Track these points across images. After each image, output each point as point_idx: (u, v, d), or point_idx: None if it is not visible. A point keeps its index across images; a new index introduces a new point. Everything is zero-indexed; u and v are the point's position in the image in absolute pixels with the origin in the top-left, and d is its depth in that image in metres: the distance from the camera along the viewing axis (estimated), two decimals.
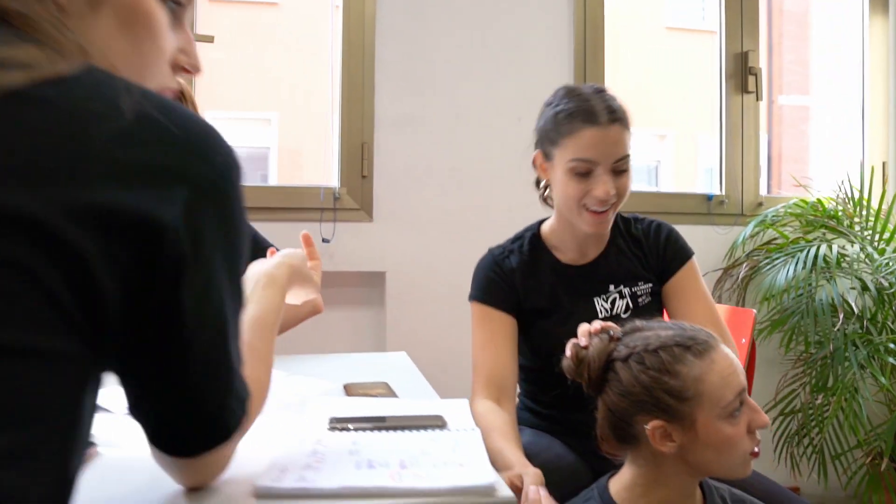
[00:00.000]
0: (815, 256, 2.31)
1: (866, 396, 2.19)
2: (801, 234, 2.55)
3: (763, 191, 2.78)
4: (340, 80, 2.45)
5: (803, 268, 2.33)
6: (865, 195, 2.68)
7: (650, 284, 1.43)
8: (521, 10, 2.56)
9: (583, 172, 1.31)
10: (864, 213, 2.56)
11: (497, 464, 0.99)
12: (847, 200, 2.55)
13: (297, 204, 2.40)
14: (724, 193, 2.72)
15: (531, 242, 1.47)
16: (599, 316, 1.38)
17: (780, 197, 2.69)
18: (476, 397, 1.33)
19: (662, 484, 1.04)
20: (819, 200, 2.51)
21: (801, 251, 2.37)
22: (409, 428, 0.92)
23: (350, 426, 0.92)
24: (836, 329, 2.29)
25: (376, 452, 0.82)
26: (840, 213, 2.48)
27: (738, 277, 2.55)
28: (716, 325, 1.38)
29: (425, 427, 0.92)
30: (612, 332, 1.07)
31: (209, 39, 2.32)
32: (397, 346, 2.41)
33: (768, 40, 9.39)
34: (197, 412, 0.61)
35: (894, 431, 2.18)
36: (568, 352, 1.08)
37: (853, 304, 2.31)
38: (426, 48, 2.49)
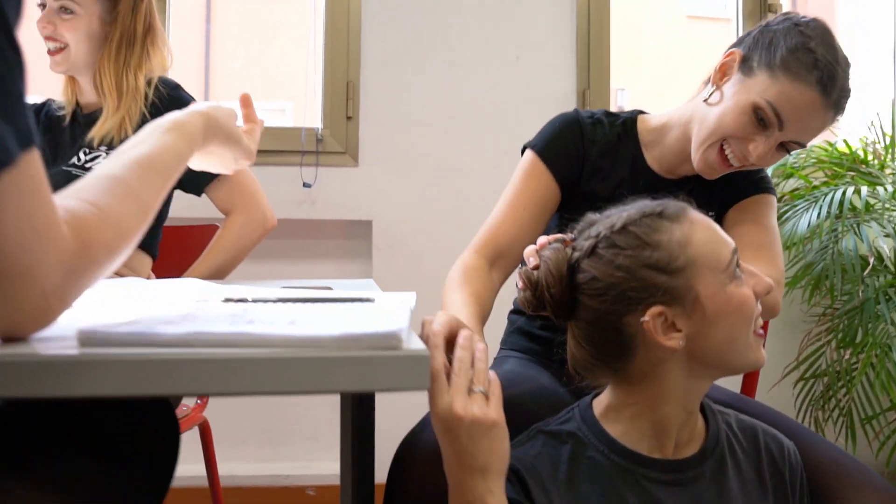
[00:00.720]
0: (841, 202, 2.09)
1: None
2: (828, 180, 2.33)
3: None
4: (324, 13, 2.28)
5: (827, 215, 2.11)
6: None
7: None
8: None
9: (762, 119, 1.09)
10: None
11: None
12: (877, 143, 2.32)
13: (275, 146, 2.23)
14: None
15: (624, 125, 1.25)
16: None
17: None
18: (467, 251, 1.15)
19: (662, 401, 0.85)
20: (846, 142, 2.29)
21: (826, 196, 2.14)
22: (323, 301, 0.74)
23: (249, 298, 0.74)
24: (864, 280, 2.07)
25: (265, 315, 0.64)
26: (870, 157, 2.25)
27: None
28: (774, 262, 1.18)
29: (343, 301, 0.74)
30: (565, 238, 0.89)
31: None
32: None
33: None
34: None
35: None
36: (519, 283, 0.89)
37: (886, 253, 2.08)
38: None
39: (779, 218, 2.26)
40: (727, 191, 1.23)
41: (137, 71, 1.43)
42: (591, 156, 1.22)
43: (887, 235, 2.10)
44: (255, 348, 0.53)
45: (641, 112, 1.29)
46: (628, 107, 10.72)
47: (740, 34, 1.23)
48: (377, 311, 0.66)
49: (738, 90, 1.11)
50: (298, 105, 2.57)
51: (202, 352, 0.53)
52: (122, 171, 0.64)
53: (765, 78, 1.09)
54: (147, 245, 1.48)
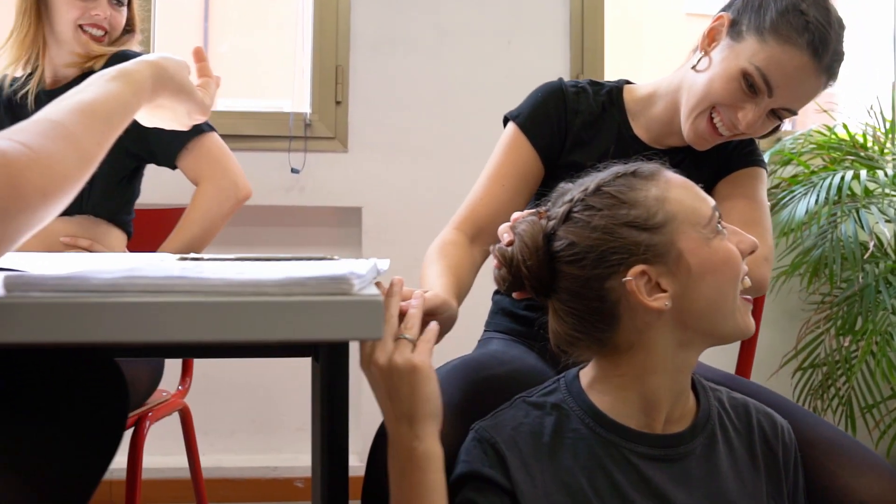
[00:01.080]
0: (840, 187, 2.04)
1: None
2: (826, 165, 2.28)
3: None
4: None
5: (826, 200, 2.06)
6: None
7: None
8: None
9: (752, 85, 1.04)
10: None
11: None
12: (877, 128, 2.27)
13: (263, 132, 2.19)
14: None
15: (609, 94, 1.20)
16: None
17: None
18: (446, 227, 1.12)
19: (651, 371, 0.80)
20: (845, 126, 2.24)
21: (825, 181, 2.10)
22: (283, 260, 0.69)
23: (205, 257, 0.70)
24: (864, 266, 2.02)
25: (214, 271, 0.60)
26: (870, 141, 2.21)
27: None
28: (764, 238, 1.13)
29: (303, 259, 0.70)
30: (539, 211, 0.85)
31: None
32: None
33: None
34: None
35: None
36: (494, 262, 0.86)
37: (886, 238, 2.03)
38: None
39: (777, 204, 2.22)
40: (718, 162, 1.19)
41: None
42: (575, 126, 1.17)
43: (888, 221, 2.05)
44: (193, 295, 0.48)
45: (628, 82, 1.24)
46: None
47: None
48: (336, 264, 0.61)
49: (726, 56, 1.07)
50: (286, 88, 2.52)
51: (135, 298, 0.48)
52: (61, 115, 0.60)
53: (754, 42, 1.04)
54: (121, 222, 1.44)
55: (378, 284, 0.71)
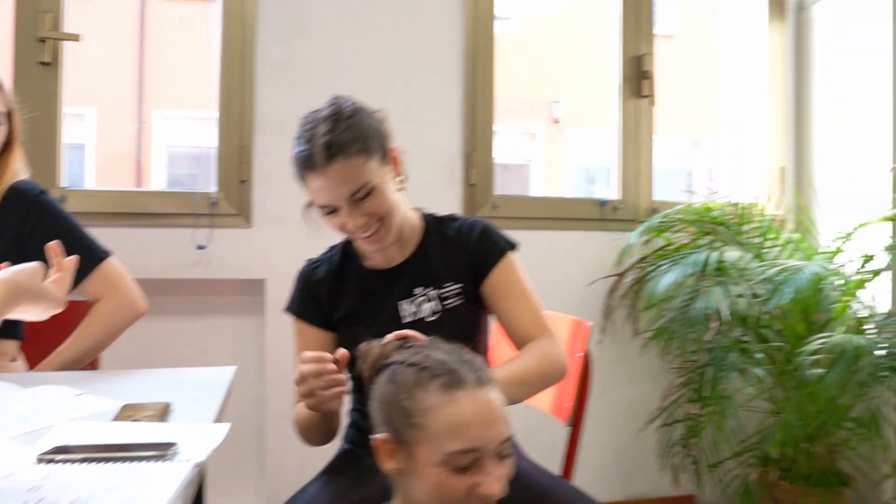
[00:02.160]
0: (703, 263, 2.29)
1: (745, 405, 2.17)
2: (693, 240, 2.52)
3: (665, 196, 2.75)
4: (219, 80, 2.37)
5: (690, 275, 2.30)
6: (761, 201, 2.68)
7: (460, 285, 1.37)
8: (411, 13, 2.51)
9: (331, 212, 1.27)
10: (762, 219, 2.55)
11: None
12: (738, 206, 2.53)
13: (170, 209, 2.32)
14: (620, 198, 2.70)
15: (342, 251, 1.44)
16: (404, 320, 1.34)
17: (672, 202, 2.66)
18: (295, 405, 1.31)
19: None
20: (706, 206, 2.49)
21: (687, 258, 2.34)
22: (123, 459, 0.85)
23: (57, 457, 0.85)
24: (714, 337, 2.27)
25: (56, 489, 0.76)
26: (728, 220, 2.46)
27: (628, 284, 2.53)
28: (536, 323, 1.35)
29: (141, 458, 0.86)
30: (409, 342, 1.01)
31: (75, 38, 2.23)
32: (278, 356, 2.35)
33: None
34: None
35: (770, 440, 2.17)
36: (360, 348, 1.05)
37: (726, 312, 2.26)
38: (311, 48, 2.43)
39: (645, 276, 2.46)
40: (472, 267, 1.38)
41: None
42: (323, 292, 1.40)
43: (740, 296, 2.30)
44: None
45: None
46: (564, 118, 10.76)
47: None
48: (155, 488, 0.77)
49: (325, 222, 1.31)
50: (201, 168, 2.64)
51: None
52: None
53: (305, 186, 1.27)
54: (9, 332, 1.51)
55: None
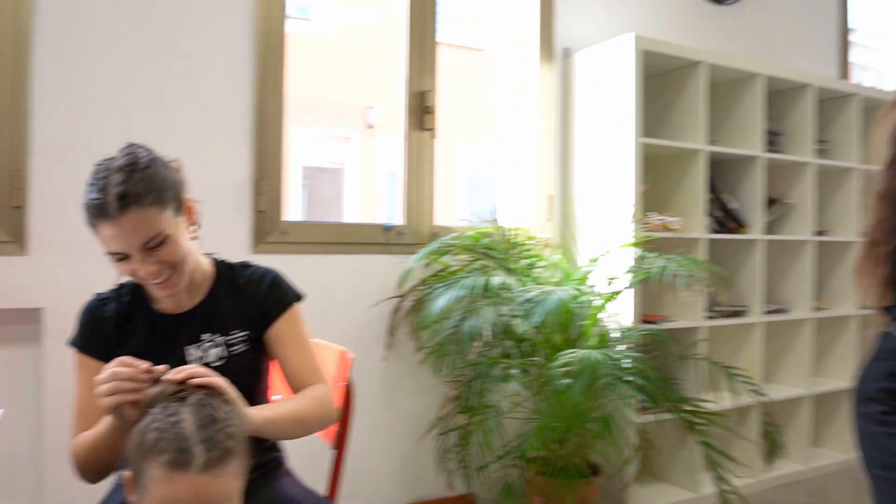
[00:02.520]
0: (474, 286, 2.54)
1: (507, 413, 2.44)
2: (466, 264, 2.78)
3: (447, 222, 2.99)
4: None
5: (463, 297, 2.55)
6: (532, 227, 3.00)
7: (247, 332, 1.46)
8: (197, 31, 2.53)
9: (122, 259, 1.30)
10: (531, 244, 2.86)
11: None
12: (509, 232, 2.83)
13: None
14: (404, 224, 2.90)
15: (132, 292, 1.47)
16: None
17: (452, 227, 2.92)
18: (73, 438, 1.34)
19: None
20: (479, 233, 2.76)
21: (460, 281, 2.58)
22: None
23: None
24: (480, 353, 2.54)
25: None
26: (497, 245, 2.74)
27: (409, 305, 2.74)
28: (311, 372, 1.47)
29: None
30: (185, 388, 1.08)
31: None
32: (59, 388, 2.29)
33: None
34: None
35: (528, 442, 2.47)
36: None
37: (488, 331, 2.54)
38: (91, 69, 2.39)
39: (424, 298, 2.68)
40: (259, 316, 1.47)
41: None
42: (109, 330, 1.44)
43: (502, 316, 2.59)
44: None
45: None
46: (378, 123, 10.95)
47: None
48: None
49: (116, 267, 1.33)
50: None
51: None
52: None
53: (97, 233, 1.29)
54: None
55: None
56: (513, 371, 2.47)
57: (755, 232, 3.38)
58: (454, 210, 10.11)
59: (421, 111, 2.92)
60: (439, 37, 2.99)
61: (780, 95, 3.66)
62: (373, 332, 2.74)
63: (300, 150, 9.91)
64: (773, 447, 2.75)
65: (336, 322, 2.66)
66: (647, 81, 3.34)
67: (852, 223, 3.80)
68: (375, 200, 10.45)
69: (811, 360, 3.58)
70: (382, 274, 2.78)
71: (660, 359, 2.91)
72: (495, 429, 2.46)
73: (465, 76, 10.35)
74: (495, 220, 2.90)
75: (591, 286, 2.75)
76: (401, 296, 2.77)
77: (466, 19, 10.99)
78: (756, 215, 3.39)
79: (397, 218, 2.93)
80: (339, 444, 1.67)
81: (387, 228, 2.83)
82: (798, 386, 3.57)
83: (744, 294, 3.43)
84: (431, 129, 2.94)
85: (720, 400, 3.11)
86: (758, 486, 3.36)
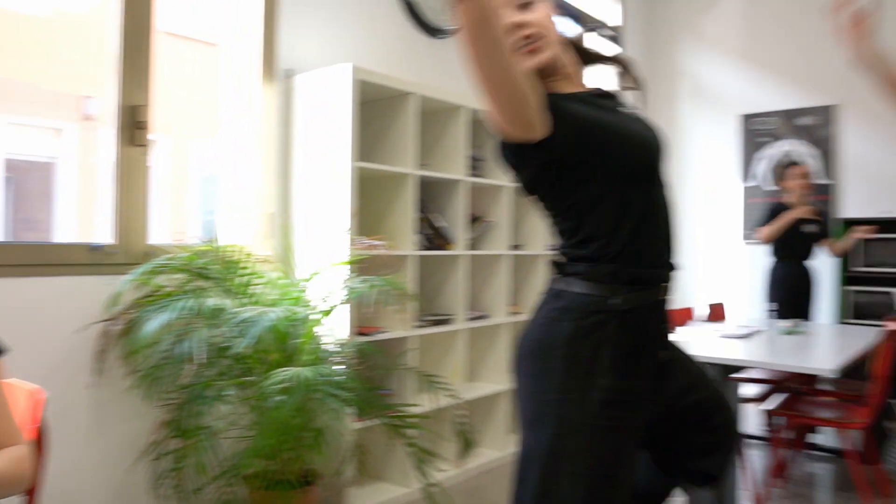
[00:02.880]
0: (188, 308, 2.54)
1: (223, 433, 2.49)
2: (182, 285, 2.76)
3: (164, 240, 2.94)
4: None
5: (177, 319, 2.54)
6: (252, 244, 3.05)
7: None
8: None
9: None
10: (249, 262, 2.91)
11: None
12: (226, 250, 2.86)
13: None
14: (115, 242, 2.80)
15: None
16: None
17: (166, 248, 2.88)
18: None
19: None
20: (194, 254, 2.76)
21: (175, 303, 2.57)
22: None
23: None
24: (194, 376, 2.56)
25: None
26: (213, 266, 2.76)
27: (120, 328, 2.66)
28: (8, 433, 1.40)
29: None
30: None
31: None
32: None
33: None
34: None
35: (244, 460, 2.54)
36: None
37: (201, 354, 2.56)
38: None
39: (136, 321, 2.63)
40: None
41: None
42: None
43: (216, 337, 2.62)
44: None
45: None
46: (97, 114, 10.13)
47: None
48: None
49: None
50: None
51: None
52: None
53: None
54: None
55: None
56: (228, 391, 2.53)
57: (460, 248, 3.77)
58: (183, 212, 9.69)
59: (133, 126, 2.84)
60: (171, 27, 2.93)
61: (482, 125, 4.11)
62: (78, 359, 2.62)
63: (1, 138, 8.84)
64: (466, 443, 3.11)
65: (36, 351, 2.51)
66: (363, 107, 3.57)
67: (540, 238, 4.39)
68: (94, 199, 9.66)
69: (508, 358, 4.08)
70: (90, 297, 2.67)
71: (372, 369, 3.14)
72: (210, 449, 2.49)
73: (197, 70, 9.99)
74: (213, 240, 2.91)
75: (308, 302, 2.89)
76: (110, 319, 2.68)
77: (200, 12, 10.58)
78: (460, 232, 3.78)
79: (107, 236, 2.82)
80: (30, 491, 1.61)
81: (94, 248, 2.72)
82: (498, 382, 4.05)
83: (450, 303, 3.80)
84: (144, 146, 2.87)
85: (424, 403, 3.44)
86: (463, 476, 3.76)
